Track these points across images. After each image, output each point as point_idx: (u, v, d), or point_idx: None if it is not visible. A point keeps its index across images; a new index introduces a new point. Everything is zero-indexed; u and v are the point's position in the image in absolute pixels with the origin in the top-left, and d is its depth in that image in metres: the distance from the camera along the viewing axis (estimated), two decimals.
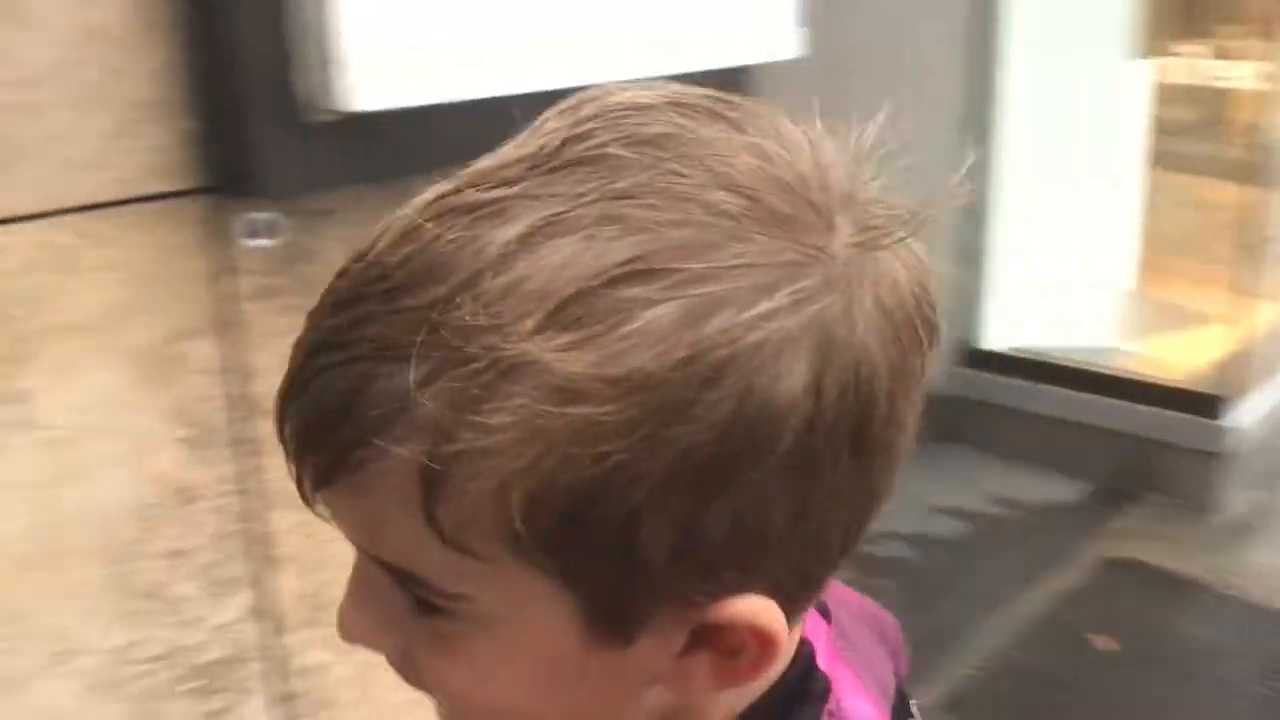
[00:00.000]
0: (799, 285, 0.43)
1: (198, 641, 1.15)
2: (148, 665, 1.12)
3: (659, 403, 0.42)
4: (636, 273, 0.42)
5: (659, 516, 0.46)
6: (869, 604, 0.78)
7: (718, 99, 0.47)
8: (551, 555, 0.47)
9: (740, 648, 0.50)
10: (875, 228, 0.45)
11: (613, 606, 0.51)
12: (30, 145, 0.99)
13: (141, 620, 1.11)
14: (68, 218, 1.03)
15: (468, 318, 0.42)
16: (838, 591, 0.70)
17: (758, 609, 0.49)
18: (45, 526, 1.04)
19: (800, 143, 0.45)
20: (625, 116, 0.45)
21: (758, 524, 0.47)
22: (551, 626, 0.51)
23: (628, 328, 0.41)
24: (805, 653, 0.60)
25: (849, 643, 0.69)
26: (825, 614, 0.64)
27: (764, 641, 0.50)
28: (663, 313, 0.42)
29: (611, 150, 0.44)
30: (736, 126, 0.45)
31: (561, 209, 0.43)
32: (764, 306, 0.42)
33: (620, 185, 0.43)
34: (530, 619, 0.51)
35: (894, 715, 0.69)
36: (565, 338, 0.42)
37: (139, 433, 1.08)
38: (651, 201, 0.43)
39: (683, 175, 0.43)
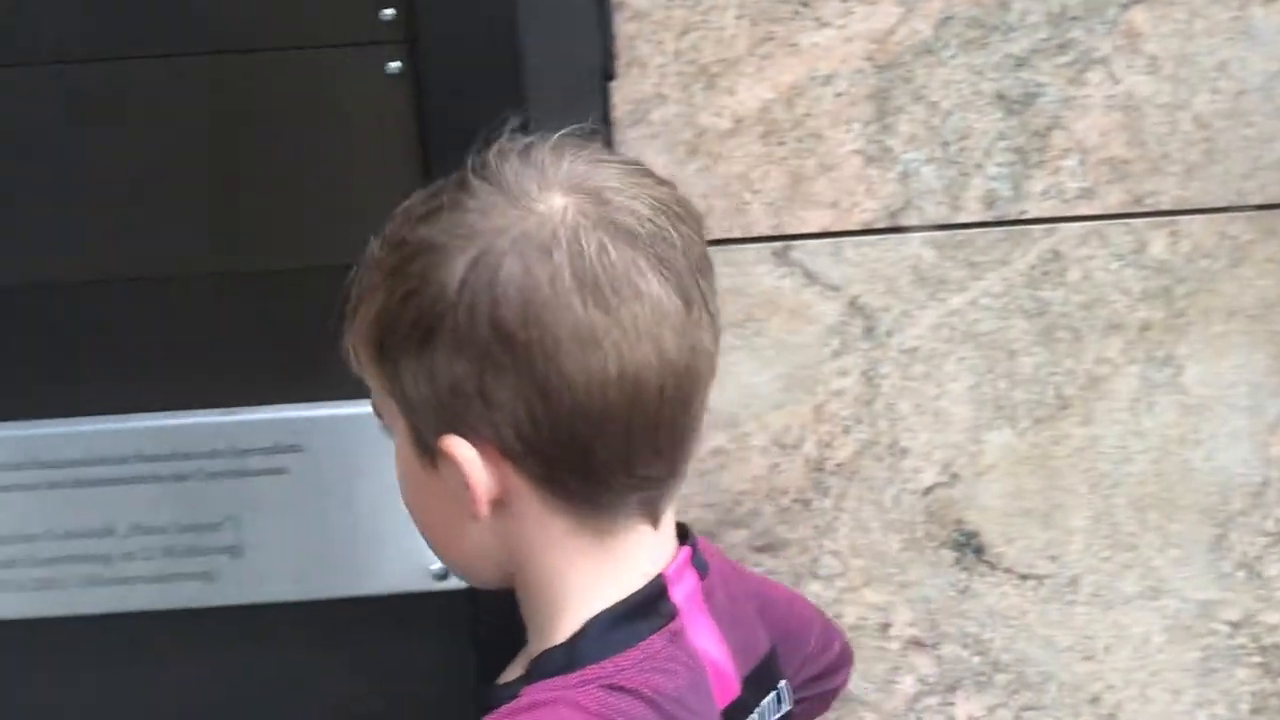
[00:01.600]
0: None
1: (1274, 622, 1.23)
2: (1222, 626, 1.23)
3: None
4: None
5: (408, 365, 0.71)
6: (781, 591, 0.95)
7: None
8: (390, 384, 0.73)
9: (464, 481, 0.70)
10: None
11: (418, 436, 0.73)
12: (1230, 148, 1.14)
13: (1228, 584, 1.22)
14: (1248, 214, 1.16)
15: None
16: (740, 571, 0.91)
17: (455, 445, 0.70)
18: (1165, 476, 1.20)
19: None
20: None
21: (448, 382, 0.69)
22: (405, 445, 0.75)
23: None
24: (658, 583, 0.74)
25: (723, 603, 0.79)
26: (703, 573, 0.78)
27: (464, 471, 0.70)
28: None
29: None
30: None
31: None
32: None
33: None
34: (400, 438, 0.75)
35: (752, 679, 0.79)
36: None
37: (1269, 416, 1.18)
38: None
39: None
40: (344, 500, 1.06)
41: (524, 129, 0.77)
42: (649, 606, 0.73)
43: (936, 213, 1.20)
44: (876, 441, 1.25)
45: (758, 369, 1.22)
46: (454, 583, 1.09)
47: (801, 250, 1.20)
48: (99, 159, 1.01)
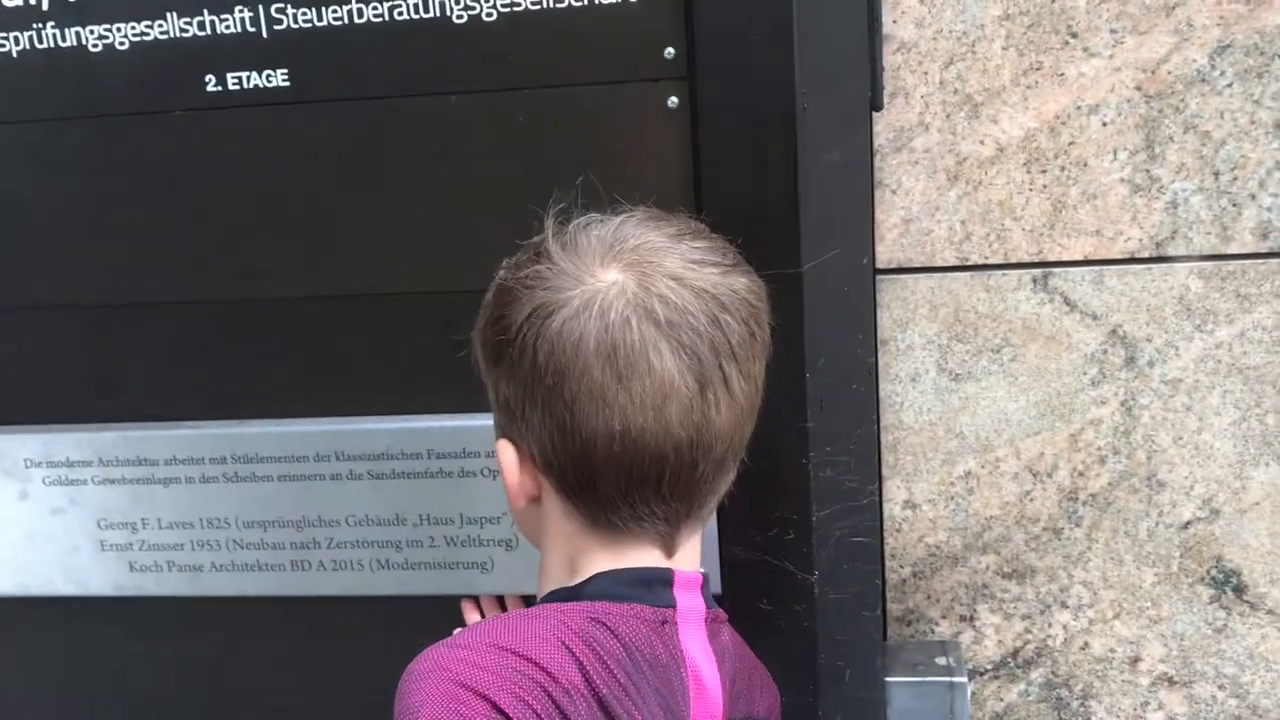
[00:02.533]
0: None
1: None
2: None
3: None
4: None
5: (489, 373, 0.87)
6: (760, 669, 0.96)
7: None
8: (489, 380, 0.88)
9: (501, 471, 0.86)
10: None
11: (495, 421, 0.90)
12: None
13: None
14: None
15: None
16: (754, 659, 0.95)
17: (502, 447, 0.86)
18: None
19: None
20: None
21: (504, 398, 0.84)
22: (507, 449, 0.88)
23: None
24: (665, 572, 0.84)
25: (726, 647, 0.87)
26: (710, 608, 0.87)
27: (502, 469, 0.86)
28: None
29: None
30: None
31: None
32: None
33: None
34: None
35: None
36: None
37: None
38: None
39: None
40: None
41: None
42: (649, 585, 0.83)
43: (1205, 243, 1.18)
44: (1133, 473, 1.23)
45: (1013, 395, 1.23)
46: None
47: (1062, 278, 1.20)
48: (400, 186, 1.12)
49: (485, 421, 1.16)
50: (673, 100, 1.05)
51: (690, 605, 0.84)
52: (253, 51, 1.10)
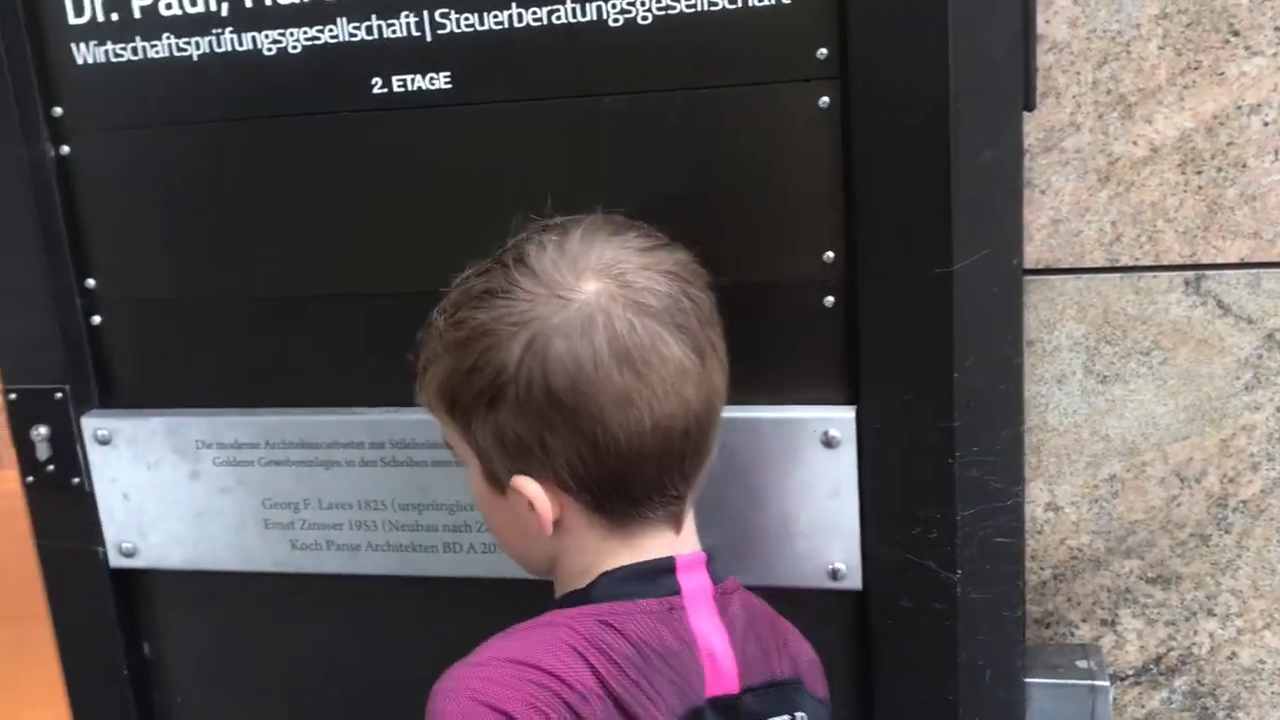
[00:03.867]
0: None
1: None
2: None
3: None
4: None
5: (478, 422, 0.88)
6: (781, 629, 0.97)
7: None
8: (463, 432, 0.90)
9: (530, 507, 0.87)
10: None
11: (488, 471, 0.90)
12: None
13: None
14: None
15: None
16: (772, 615, 0.97)
17: (525, 484, 0.86)
18: None
19: None
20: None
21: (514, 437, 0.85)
22: (477, 476, 0.91)
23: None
24: (667, 561, 0.88)
25: (738, 614, 0.90)
26: (717, 580, 0.90)
27: (532, 504, 0.86)
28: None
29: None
30: None
31: None
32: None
33: None
34: (472, 470, 0.92)
35: (760, 691, 0.87)
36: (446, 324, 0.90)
37: None
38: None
39: None
40: (753, 497, 1.15)
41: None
42: (653, 577, 0.87)
43: None
44: None
45: (1161, 398, 1.21)
46: (849, 583, 1.16)
47: (1216, 280, 1.18)
48: (554, 185, 1.16)
49: None
50: (824, 100, 1.07)
51: (696, 586, 0.88)
52: (417, 55, 1.15)
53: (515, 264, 0.88)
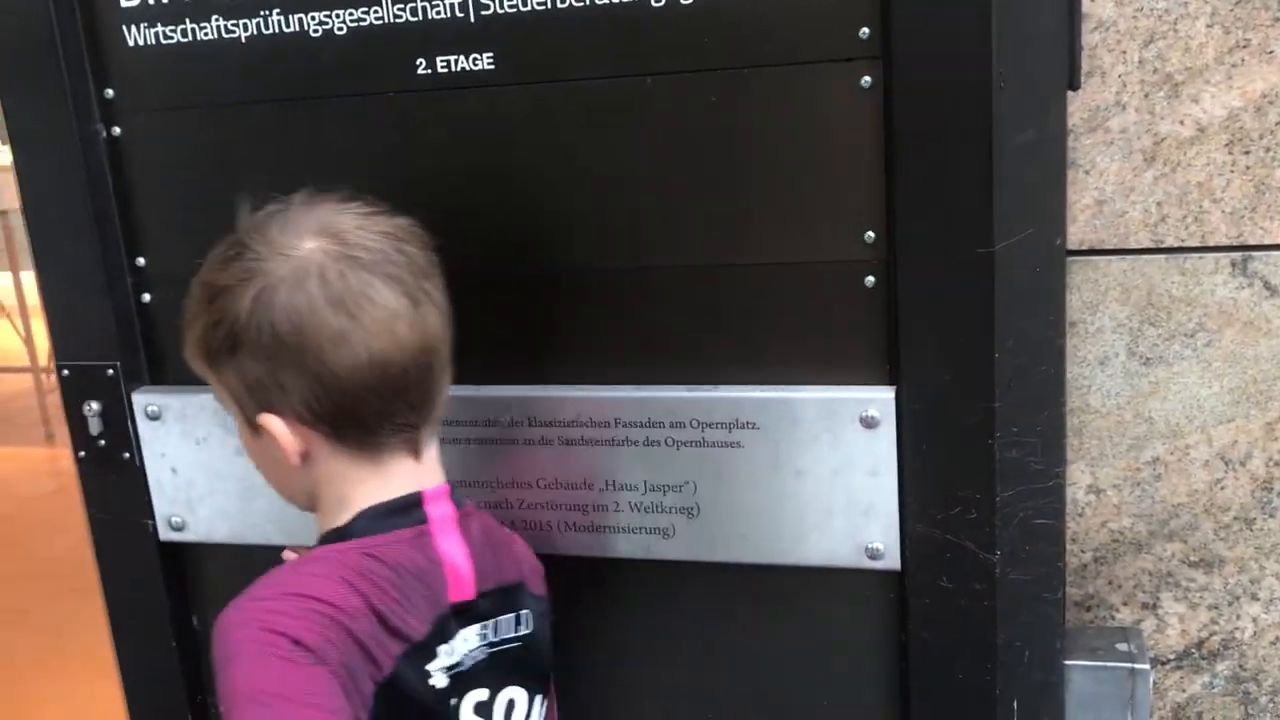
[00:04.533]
0: None
1: None
2: None
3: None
4: None
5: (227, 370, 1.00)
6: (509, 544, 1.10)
7: None
8: (219, 382, 1.02)
9: (279, 444, 0.99)
10: None
11: (244, 415, 1.02)
12: None
13: None
14: None
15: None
16: (508, 534, 1.12)
17: (269, 420, 0.99)
18: None
19: None
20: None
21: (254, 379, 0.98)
22: (239, 423, 1.04)
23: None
24: (415, 496, 1.01)
25: (476, 533, 1.04)
26: (459, 505, 1.03)
27: (277, 438, 0.99)
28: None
29: None
30: None
31: None
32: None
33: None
34: (236, 418, 1.04)
35: (494, 595, 1.03)
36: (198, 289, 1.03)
37: None
38: None
39: None
40: (792, 476, 1.16)
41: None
42: (405, 511, 1.01)
43: None
44: None
45: (1206, 380, 1.20)
46: (887, 563, 1.16)
47: (1263, 261, 1.17)
48: (596, 165, 1.17)
49: (669, 393, 1.22)
50: (866, 80, 1.06)
51: (441, 514, 1.02)
52: (461, 35, 1.16)
53: (248, 232, 1.01)
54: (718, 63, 1.10)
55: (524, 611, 1.07)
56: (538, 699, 1.08)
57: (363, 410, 0.98)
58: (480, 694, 1.02)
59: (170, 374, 1.36)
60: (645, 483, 1.21)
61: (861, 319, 1.13)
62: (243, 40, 1.22)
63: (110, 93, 1.29)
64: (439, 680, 0.98)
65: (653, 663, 1.30)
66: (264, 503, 1.33)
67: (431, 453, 1.05)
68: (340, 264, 0.96)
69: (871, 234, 1.10)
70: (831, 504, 1.16)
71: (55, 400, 5.14)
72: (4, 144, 5.71)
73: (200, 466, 1.34)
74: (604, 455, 1.22)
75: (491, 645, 1.04)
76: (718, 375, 1.19)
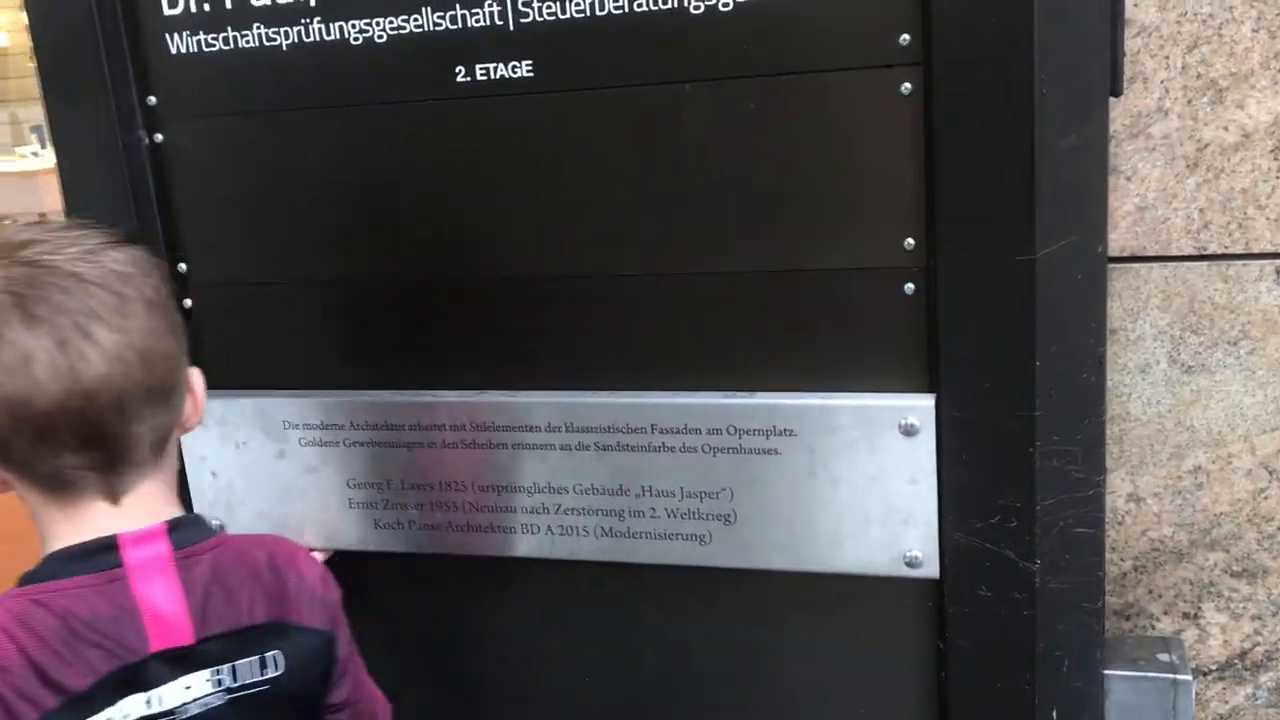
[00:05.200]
0: None
1: None
2: None
3: None
4: None
5: None
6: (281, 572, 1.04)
7: None
8: None
9: None
10: None
11: None
12: None
13: None
14: None
15: None
16: (235, 557, 1.02)
17: None
18: None
19: None
20: None
21: None
22: None
23: None
24: (109, 540, 0.96)
25: (202, 574, 0.98)
26: (181, 546, 0.98)
27: None
28: None
29: None
30: None
31: None
32: None
33: None
34: None
35: (225, 639, 0.98)
36: None
37: None
38: None
39: None
40: (829, 484, 1.15)
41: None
42: (92, 556, 0.96)
43: None
44: None
45: (1249, 389, 1.19)
46: (925, 571, 1.16)
47: None
48: (636, 172, 1.17)
49: (707, 399, 1.22)
50: (906, 86, 1.06)
51: (143, 558, 0.97)
52: (500, 43, 1.16)
53: None
54: (757, 69, 1.10)
55: (272, 654, 1.01)
56: None
57: (14, 451, 0.95)
58: None
59: (211, 378, 1.36)
60: (681, 489, 1.21)
61: (900, 326, 1.12)
62: (283, 48, 1.23)
63: (153, 100, 1.30)
64: None
65: (686, 671, 1.30)
66: (303, 506, 1.34)
67: (140, 494, 0.99)
68: None
69: (911, 241, 1.09)
70: (869, 512, 1.15)
71: None
72: (44, 147, 5.72)
73: (240, 470, 1.36)
74: (640, 461, 1.22)
75: (231, 691, 0.99)
76: (755, 382, 1.19)
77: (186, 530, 1.01)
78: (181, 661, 0.97)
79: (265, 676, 1.01)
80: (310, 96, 1.24)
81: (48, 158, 5.48)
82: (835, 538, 1.17)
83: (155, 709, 0.95)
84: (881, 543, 1.16)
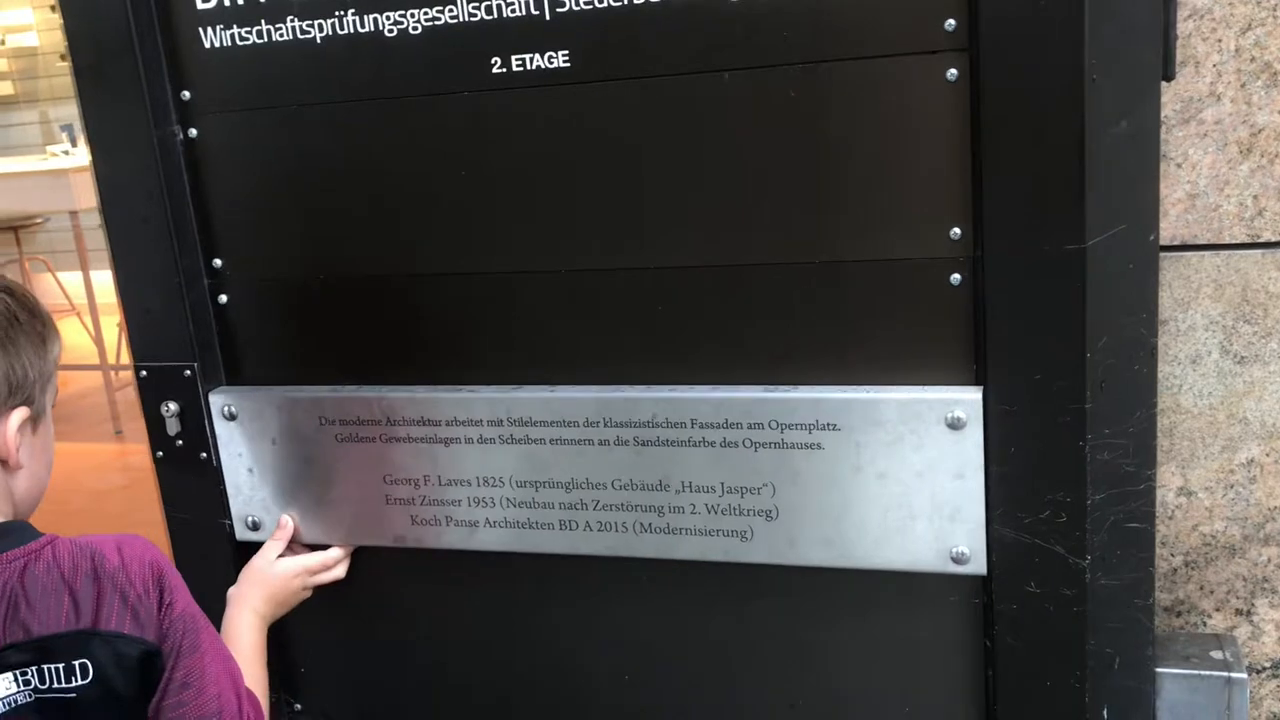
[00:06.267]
0: None
1: None
2: None
3: None
4: None
5: None
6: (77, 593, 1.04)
7: None
8: None
9: None
10: None
11: None
12: None
13: None
14: None
15: None
16: (78, 546, 1.05)
17: None
18: None
19: None
20: None
21: None
22: None
23: None
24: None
25: (7, 577, 1.03)
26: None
27: None
28: None
29: None
30: None
31: None
32: None
33: None
34: None
35: (27, 646, 1.02)
36: None
37: None
38: None
39: None
40: (874, 479, 1.13)
41: None
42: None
43: None
44: None
45: None
46: (972, 567, 1.14)
47: None
48: (674, 162, 1.15)
49: (748, 394, 1.20)
50: (952, 72, 1.04)
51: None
52: (536, 33, 1.15)
53: None
54: (798, 57, 1.08)
55: (79, 661, 1.03)
56: None
57: None
58: None
59: (246, 374, 1.37)
60: (722, 484, 1.20)
61: (946, 318, 1.10)
62: (318, 41, 1.22)
63: (187, 94, 1.29)
64: None
65: (728, 667, 1.28)
66: (340, 502, 1.34)
67: None
68: None
69: (957, 230, 1.07)
70: (915, 507, 1.13)
71: (124, 397, 5.24)
72: (75, 145, 5.77)
73: (277, 467, 1.35)
74: (680, 456, 1.20)
75: (39, 692, 1.02)
76: (797, 375, 1.17)
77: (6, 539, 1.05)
78: None
79: (71, 685, 1.02)
80: (345, 89, 1.23)
81: (79, 156, 5.52)
82: (880, 533, 1.15)
83: None
84: (928, 539, 1.14)
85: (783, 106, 1.09)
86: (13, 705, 1.02)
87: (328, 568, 1.36)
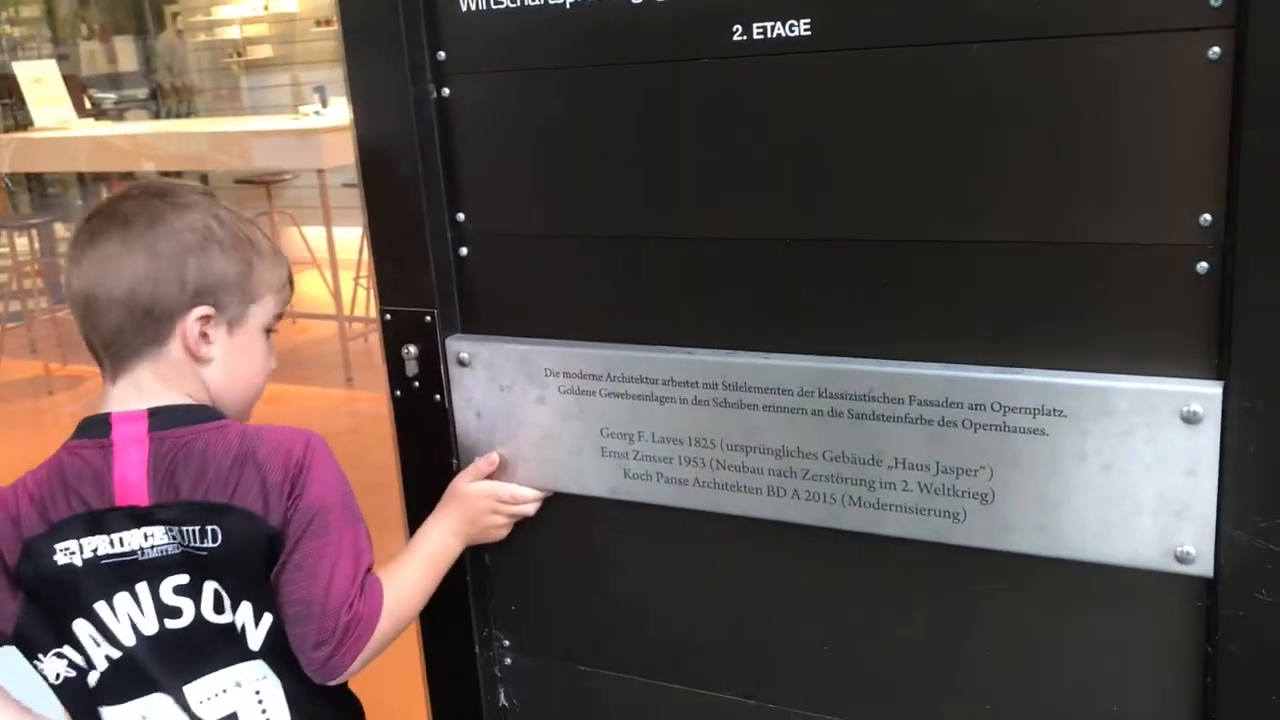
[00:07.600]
0: None
1: None
2: None
3: None
4: None
5: None
6: (241, 467, 1.25)
7: None
8: None
9: None
10: None
11: None
12: None
13: None
14: None
15: None
16: (203, 449, 1.26)
17: None
18: None
19: None
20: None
21: None
22: None
23: None
24: (102, 416, 1.28)
25: (168, 452, 1.25)
26: (162, 427, 1.26)
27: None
28: None
29: None
30: None
31: None
32: None
33: None
34: None
35: (177, 507, 1.24)
36: None
37: None
38: None
39: None
40: (1099, 469, 1.10)
41: None
42: (94, 427, 1.28)
43: None
44: None
45: None
46: (1198, 568, 1.09)
47: None
48: (916, 135, 1.14)
49: (972, 373, 1.18)
50: (1214, 51, 0.99)
51: (125, 434, 1.25)
52: (778, 2, 1.16)
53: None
54: (1049, 31, 1.05)
55: (212, 527, 1.24)
56: (244, 605, 1.27)
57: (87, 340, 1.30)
58: (179, 579, 1.25)
59: (481, 323, 1.44)
60: (937, 464, 1.18)
61: (1189, 307, 1.05)
62: (567, 6, 1.27)
63: (442, 55, 1.37)
64: (72, 559, 1.24)
65: (929, 652, 1.27)
66: (559, 451, 1.39)
67: (131, 380, 1.28)
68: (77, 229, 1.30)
69: (1208, 217, 1.03)
70: (1141, 502, 1.09)
71: (355, 347, 5.53)
72: (325, 106, 6.08)
73: (503, 412, 1.42)
74: (895, 432, 1.20)
75: (185, 546, 1.24)
76: (1024, 357, 1.14)
77: (167, 415, 1.27)
78: (141, 518, 1.24)
79: (205, 545, 1.24)
80: (590, 54, 1.27)
81: (329, 116, 5.85)
82: (1102, 526, 1.12)
83: (118, 549, 1.25)
84: (1151, 535, 1.10)
85: (1031, 81, 1.07)
86: (165, 553, 1.25)
87: (518, 501, 1.43)
